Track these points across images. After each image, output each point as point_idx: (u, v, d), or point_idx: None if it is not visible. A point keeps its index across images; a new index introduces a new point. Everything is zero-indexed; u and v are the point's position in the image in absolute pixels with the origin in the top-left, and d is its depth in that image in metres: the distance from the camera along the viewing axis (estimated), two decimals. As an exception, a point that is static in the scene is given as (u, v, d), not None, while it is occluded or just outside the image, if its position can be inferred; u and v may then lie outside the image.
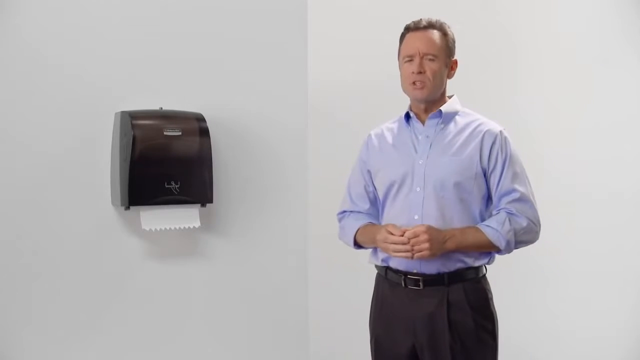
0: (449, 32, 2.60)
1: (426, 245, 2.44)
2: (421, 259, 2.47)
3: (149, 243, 2.92)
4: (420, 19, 2.60)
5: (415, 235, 2.44)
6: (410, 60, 2.56)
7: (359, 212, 2.74)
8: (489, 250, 2.54)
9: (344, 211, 2.80)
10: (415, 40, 2.56)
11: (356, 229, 2.69)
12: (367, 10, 3.72)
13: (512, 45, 3.93)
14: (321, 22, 3.44)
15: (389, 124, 2.73)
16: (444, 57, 2.57)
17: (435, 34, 2.56)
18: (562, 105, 3.91)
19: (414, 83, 2.55)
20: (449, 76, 2.62)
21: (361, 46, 3.66)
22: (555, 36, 3.93)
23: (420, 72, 2.53)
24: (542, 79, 3.93)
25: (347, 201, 2.79)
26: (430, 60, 2.54)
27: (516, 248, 2.56)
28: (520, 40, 3.93)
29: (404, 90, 2.62)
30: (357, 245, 2.72)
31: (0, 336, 2.71)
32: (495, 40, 3.88)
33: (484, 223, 2.53)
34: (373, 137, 2.73)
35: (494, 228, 2.50)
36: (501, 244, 2.50)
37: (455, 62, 2.62)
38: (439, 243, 2.46)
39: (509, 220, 2.51)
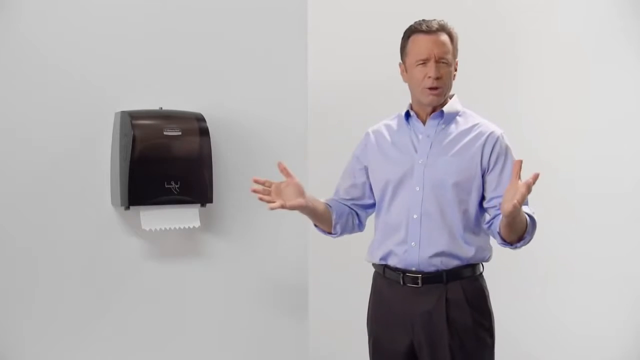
0: (454, 35, 2.59)
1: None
2: (511, 208, 2.27)
3: (149, 243, 2.92)
4: (429, 21, 2.56)
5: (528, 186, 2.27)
6: (424, 64, 2.53)
7: (336, 200, 2.76)
8: (512, 238, 2.46)
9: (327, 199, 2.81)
10: (430, 44, 2.52)
11: None
12: (367, 10, 3.72)
13: (513, 45, 3.93)
14: (321, 22, 3.44)
15: (388, 122, 2.73)
16: (453, 60, 2.57)
17: (446, 37, 2.55)
18: (562, 105, 3.91)
19: (430, 88, 2.53)
20: (454, 78, 2.62)
21: (361, 46, 3.66)
22: (556, 36, 3.93)
23: (438, 78, 2.52)
24: (542, 78, 3.93)
25: (333, 194, 2.82)
26: (444, 63, 2.53)
27: (525, 243, 2.50)
28: (521, 40, 3.93)
29: (415, 93, 2.59)
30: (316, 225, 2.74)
31: (0, 336, 2.71)
32: (496, 40, 3.88)
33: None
34: (371, 134, 2.73)
35: (531, 216, 2.43)
36: (531, 234, 2.43)
37: (457, 62, 2.62)
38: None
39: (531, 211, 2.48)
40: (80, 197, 2.80)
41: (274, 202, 2.50)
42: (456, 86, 2.66)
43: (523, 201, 2.28)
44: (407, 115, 2.65)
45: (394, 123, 2.70)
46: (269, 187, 2.52)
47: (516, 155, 2.58)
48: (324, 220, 2.68)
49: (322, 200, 2.72)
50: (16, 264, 2.72)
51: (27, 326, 2.74)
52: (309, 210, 2.62)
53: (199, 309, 3.04)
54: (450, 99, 2.64)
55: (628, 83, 3.87)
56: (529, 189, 2.27)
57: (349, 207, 2.74)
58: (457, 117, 2.62)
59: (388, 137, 2.68)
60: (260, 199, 2.50)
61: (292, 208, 2.53)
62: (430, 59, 2.52)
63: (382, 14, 3.69)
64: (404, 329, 2.57)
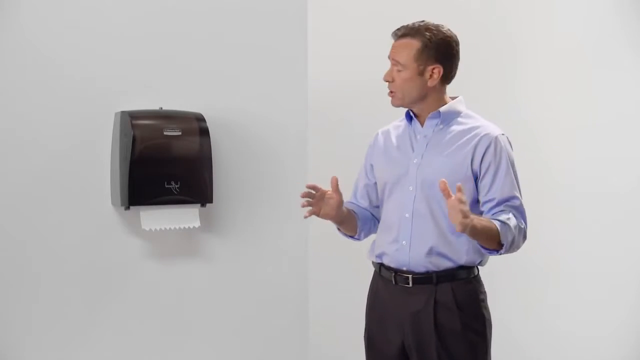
0: (430, 39, 2.52)
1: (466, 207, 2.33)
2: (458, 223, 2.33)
3: (149, 243, 2.92)
4: (401, 26, 2.58)
5: (461, 201, 2.33)
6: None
7: (357, 205, 2.76)
8: (491, 246, 2.48)
9: (348, 202, 2.80)
10: (391, 49, 2.57)
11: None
12: (367, 10, 3.72)
13: (512, 46, 3.92)
14: (321, 22, 3.44)
15: (397, 122, 2.74)
16: (416, 66, 2.52)
17: (409, 43, 2.52)
18: (562, 105, 3.91)
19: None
20: (430, 83, 2.55)
21: (361, 46, 3.66)
22: (555, 36, 3.93)
23: (386, 81, 2.56)
24: (542, 79, 3.93)
25: (352, 195, 2.81)
26: (399, 71, 2.54)
27: (510, 251, 2.51)
28: (520, 40, 3.93)
29: None
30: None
31: (0, 336, 2.71)
32: (495, 40, 3.88)
33: (492, 217, 2.47)
34: (380, 135, 2.74)
35: (503, 222, 2.44)
36: (507, 239, 2.45)
37: (436, 68, 2.53)
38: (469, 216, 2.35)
39: (515, 218, 2.48)
40: (80, 197, 2.81)
41: (313, 211, 2.54)
42: (456, 86, 2.66)
43: (461, 217, 2.31)
44: (409, 116, 2.65)
45: (401, 124, 2.71)
46: (317, 192, 2.53)
47: (516, 156, 2.57)
48: (349, 226, 2.69)
49: (346, 204, 2.71)
50: (16, 264, 2.73)
51: (27, 326, 2.74)
52: (337, 220, 2.63)
53: (199, 308, 3.04)
54: (453, 100, 2.63)
55: (628, 83, 3.87)
56: (460, 202, 2.32)
57: (370, 213, 2.75)
58: (459, 118, 2.60)
59: (394, 138, 2.68)
60: (307, 204, 2.53)
61: (323, 218, 2.58)
62: (390, 64, 2.56)
63: (382, 15, 3.68)
64: (396, 329, 2.57)
